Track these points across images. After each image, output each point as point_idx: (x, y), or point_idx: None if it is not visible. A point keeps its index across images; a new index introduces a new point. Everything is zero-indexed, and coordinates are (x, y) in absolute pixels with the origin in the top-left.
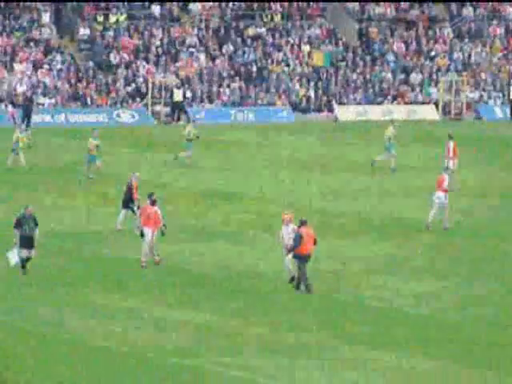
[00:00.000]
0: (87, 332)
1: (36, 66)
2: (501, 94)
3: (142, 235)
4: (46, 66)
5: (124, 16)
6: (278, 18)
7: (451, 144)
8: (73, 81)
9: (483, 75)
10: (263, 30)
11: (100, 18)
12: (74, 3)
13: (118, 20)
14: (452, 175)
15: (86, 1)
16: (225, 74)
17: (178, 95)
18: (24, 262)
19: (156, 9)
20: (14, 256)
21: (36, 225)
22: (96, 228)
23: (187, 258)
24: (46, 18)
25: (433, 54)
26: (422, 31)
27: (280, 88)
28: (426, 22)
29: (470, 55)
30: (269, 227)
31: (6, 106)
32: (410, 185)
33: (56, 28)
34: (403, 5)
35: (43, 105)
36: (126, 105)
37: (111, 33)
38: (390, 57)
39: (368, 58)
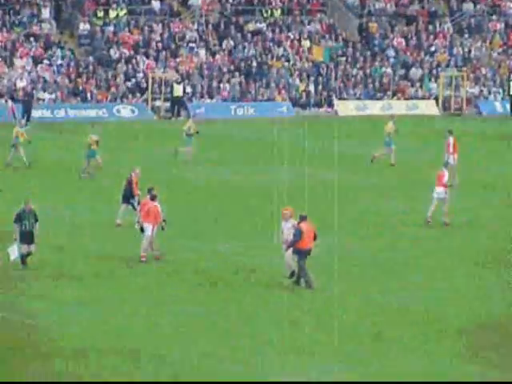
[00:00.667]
0: (86, 328)
1: (36, 61)
2: (501, 89)
3: (142, 230)
4: (45, 62)
5: (124, 11)
6: (277, 13)
7: (451, 139)
8: (73, 76)
9: (483, 70)
10: (263, 25)
11: (100, 13)
12: None
13: (118, 15)
14: (452, 170)
15: None
16: (225, 70)
17: (177, 90)
18: (24, 257)
19: (156, 4)
20: (14, 251)
21: (36, 220)
22: (95, 223)
23: (187, 253)
24: (46, 13)
25: (433, 49)
26: (422, 26)
27: (280, 83)
28: (426, 17)
29: (470, 50)
30: (269, 222)
31: (6, 101)
32: (409, 180)
33: (56, 23)
34: (403, 0)
35: (43, 100)
36: (125, 100)
37: (111, 28)
38: (390, 52)
39: (368, 53)
